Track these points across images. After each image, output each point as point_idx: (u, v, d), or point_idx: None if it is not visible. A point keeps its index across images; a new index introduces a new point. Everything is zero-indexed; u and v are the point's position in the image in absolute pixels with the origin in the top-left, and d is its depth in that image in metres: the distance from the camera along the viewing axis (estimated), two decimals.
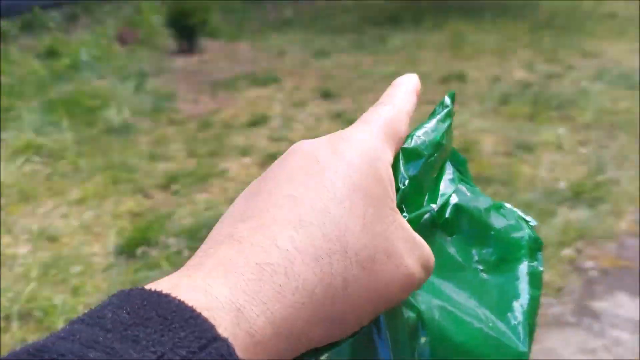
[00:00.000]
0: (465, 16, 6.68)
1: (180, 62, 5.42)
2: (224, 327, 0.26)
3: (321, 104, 4.35)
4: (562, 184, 3.18)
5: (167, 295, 0.26)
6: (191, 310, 0.25)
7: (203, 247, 0.31)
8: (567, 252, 2.63)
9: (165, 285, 0.27)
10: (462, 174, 0.46)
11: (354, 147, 0.34)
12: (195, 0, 5.64)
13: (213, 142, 3.72)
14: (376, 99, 0.39)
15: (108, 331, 0.25)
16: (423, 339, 0.37)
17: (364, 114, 0.37)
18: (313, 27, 6.61)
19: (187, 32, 5.57)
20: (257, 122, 4.00)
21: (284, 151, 0.36)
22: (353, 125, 0.36)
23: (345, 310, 0.30)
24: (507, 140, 3.70)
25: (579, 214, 2.90)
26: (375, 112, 0.37)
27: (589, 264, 2.56)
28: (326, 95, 4.49)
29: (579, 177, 3.23)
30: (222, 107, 4.32)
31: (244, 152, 3.56)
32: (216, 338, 0.25)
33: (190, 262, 0.30)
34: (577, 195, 3.07)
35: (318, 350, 0.31)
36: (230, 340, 0.26)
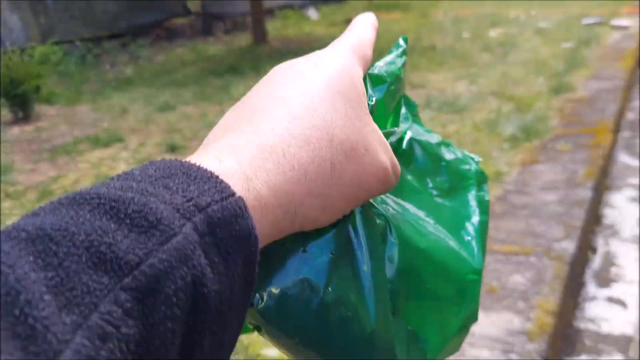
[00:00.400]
0: None
1: (15, 131, 5.20)
2: (236, 189, 0.29)
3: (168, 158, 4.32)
4: None
5: (186, 162, 0.29)
6: (210, 172, 0.29)
7: (201, 146, 0.34)
8: None
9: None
10: (415, 117, 0.51)
11: (331, 61, 0.38)
12: (27, 66, 5.45)
13: None
14: None
15: (139, 181, 0.28)
16: (393, 244, 0.41)
17: (331, 42, 0.42)
18: (155, 82, 6.57)
19: (20, 100, 5.35)
20: None
21: None
22: (323, 50, 0.40)
23: (333, 190, 0.34)
24: None
25: None
26: (342, 39, 0.42)
27: None
28: (173, 148, 4.47)
29: None
30: (64, 173, 4.19)
31: None
32: (234, 194, 0.29)
33: (195, 152, 0.33)
34: None
35: (306, 239, 0.36)
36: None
